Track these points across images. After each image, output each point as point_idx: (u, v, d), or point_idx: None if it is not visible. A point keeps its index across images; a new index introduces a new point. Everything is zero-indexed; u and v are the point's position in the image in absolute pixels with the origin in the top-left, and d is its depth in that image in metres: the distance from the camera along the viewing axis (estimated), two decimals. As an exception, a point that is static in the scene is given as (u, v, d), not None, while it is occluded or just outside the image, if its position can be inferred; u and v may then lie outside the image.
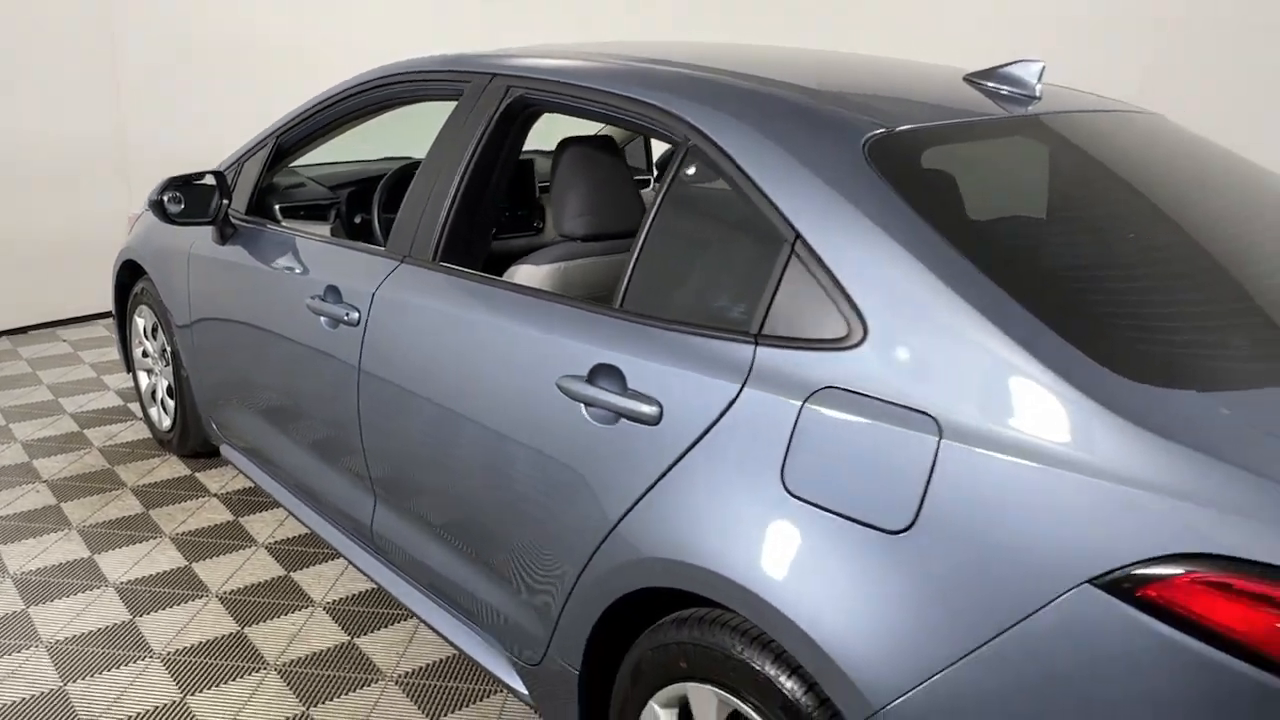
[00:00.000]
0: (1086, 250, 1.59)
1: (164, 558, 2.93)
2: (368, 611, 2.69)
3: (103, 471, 3.49)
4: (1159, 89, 3.89)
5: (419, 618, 2.26)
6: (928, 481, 1.28)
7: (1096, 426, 1.19)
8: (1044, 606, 1.18)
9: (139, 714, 2.25)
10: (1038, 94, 1.89)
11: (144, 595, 2.74)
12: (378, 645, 2.54)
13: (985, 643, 1.22)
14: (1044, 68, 1.90)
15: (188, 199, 2.81)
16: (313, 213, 3.11)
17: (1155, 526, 1.13)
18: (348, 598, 2.75)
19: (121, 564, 2.89)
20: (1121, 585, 1.13)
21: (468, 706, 2.31)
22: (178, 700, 2.31)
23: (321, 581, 2.83)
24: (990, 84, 1.95)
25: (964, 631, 1.23)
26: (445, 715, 2.28)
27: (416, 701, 2.33)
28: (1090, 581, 1.15)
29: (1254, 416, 1.19)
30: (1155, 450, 1.15)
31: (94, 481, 3.41)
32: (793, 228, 1.52)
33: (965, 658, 1.23)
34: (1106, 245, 1.59)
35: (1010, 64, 1.93)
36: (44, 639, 2.53)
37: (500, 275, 2.12)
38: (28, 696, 2.30)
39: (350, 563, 2.51)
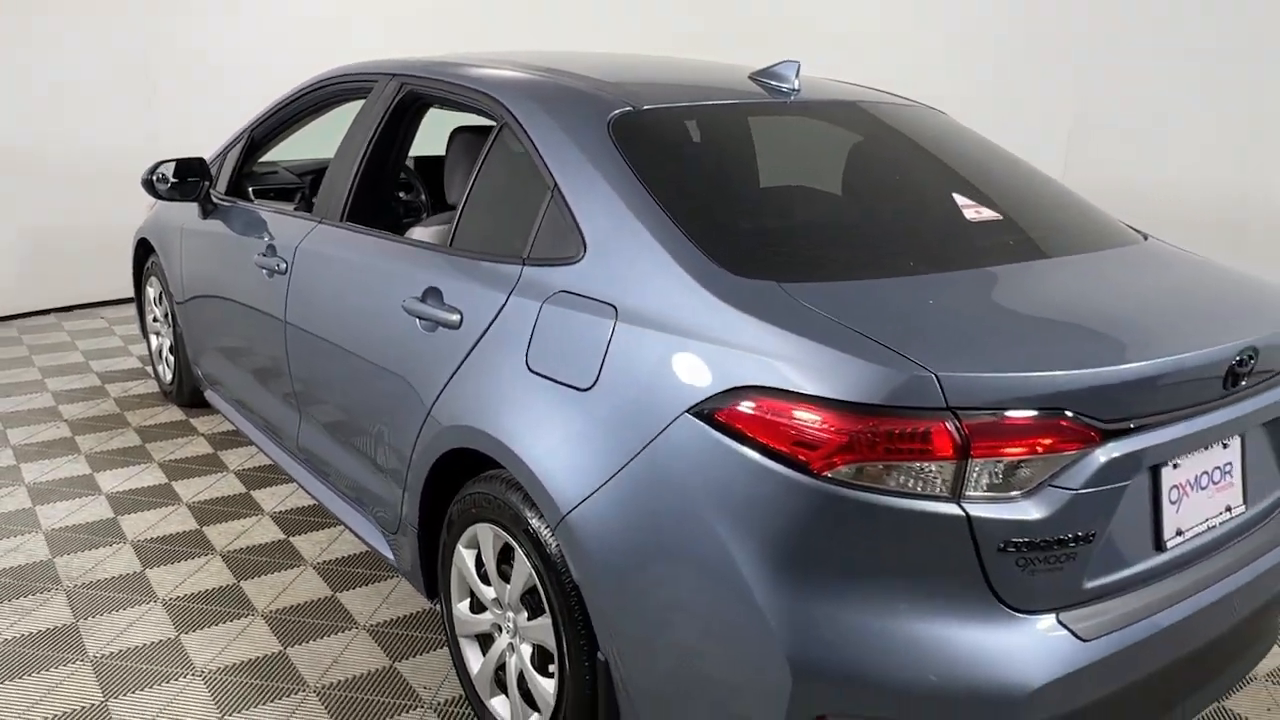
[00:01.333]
0: (747, 193, 2.08)
1: (150, 477, 3.54)
2: (306, 520, 3.24)
3: (113, 415, 4.13)
4: (1090, 95, 4.42)
5: (332, 514, 2.80)
6: (605, 352, 1.78)
7: (702, 305, 1.68)
8: (662, 432, 1.67)
9: (109, 578, 2.84)
10: (797, 86, 2.39)
11: (128, 501, 3.34)
12: (307, 542, 3.10)
13: (628, 462, 1.71)
14: (799, 65, 2.39)
15: (176, 182, 3.42)
16: (283, 195, 3.72)
17: (726, 369, 1.61)
18: (293, 509, 3.32)
19: (114, 480, 3.50)
20: (704, 413, 1.62)
21: (367, 585, 2.85)
22: (139, 571, 2.89)
23: (275, 498, 3.40)
24: (768, 80, 2.44)
25: (617, 455, 1.73)
26: (348, 590, 2.82)
27: (328, 581, 2.87)
28: (688, 411, 1.63)
29: (815, 300, 1.66)
30: (731, 318, 1.64)
31: (104, 422, 4.05)
32: (553, 178, 2.04)
33: (617, 474, 1.72)
34: (766, 191, 2.08)
35: (779, 64, 2.43)
36: (43, 528, 3.14)
37: None
38: (23, 564, 2.91)
39: (296, 481, 3.06)
